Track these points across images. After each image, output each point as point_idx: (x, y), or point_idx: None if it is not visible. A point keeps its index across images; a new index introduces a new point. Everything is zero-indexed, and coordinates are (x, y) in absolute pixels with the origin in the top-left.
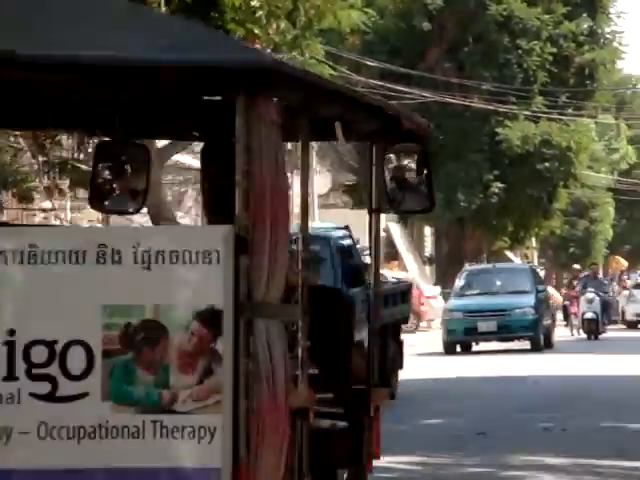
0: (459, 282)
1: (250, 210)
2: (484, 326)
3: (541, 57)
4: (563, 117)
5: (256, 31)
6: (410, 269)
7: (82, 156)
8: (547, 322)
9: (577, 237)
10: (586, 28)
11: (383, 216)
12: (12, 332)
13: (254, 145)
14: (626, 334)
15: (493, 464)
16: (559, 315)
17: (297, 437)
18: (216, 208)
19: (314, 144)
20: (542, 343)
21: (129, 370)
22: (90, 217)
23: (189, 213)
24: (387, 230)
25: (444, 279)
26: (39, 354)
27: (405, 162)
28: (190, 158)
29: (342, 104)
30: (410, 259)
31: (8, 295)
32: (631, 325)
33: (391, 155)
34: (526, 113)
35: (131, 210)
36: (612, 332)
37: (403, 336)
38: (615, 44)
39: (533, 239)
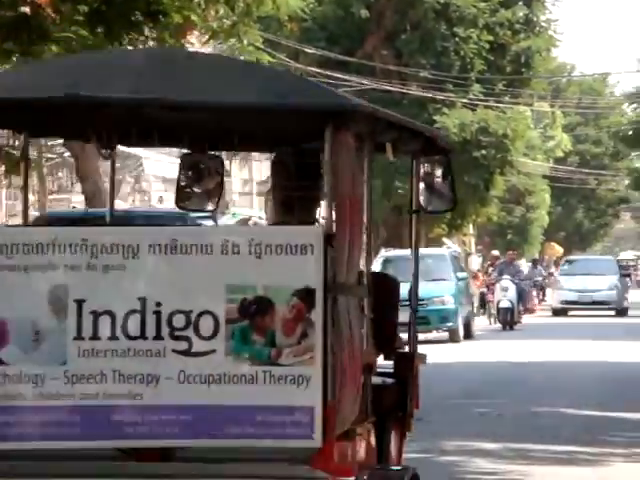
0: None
1: (334, 214)
2: (400, 316)
3: (478, 45)
4: (500, 105)
5: (193, 17)
6: None
7: (17, 143)
8: (467, 311)
9: (514, 224)
10: (522, 16)
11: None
12: (159, 304)
13: (337, 165)
14: (550, 320)
15: (430, 449)
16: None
17: (364, 386)
18: (285, 209)
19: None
20: (461, 334)
21: (245, 333)
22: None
23: (126, 200)
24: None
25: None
26: (179, 320)
27: (433, 171)
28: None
29: (397, 131)
30: None
31: (156, 276)
32: (557, 312)
33: (423, 165)
34: (463, 101)
35: (209, 208)
36: (538, 318)
37: None
38: (550, 32)
39: (470, 226)
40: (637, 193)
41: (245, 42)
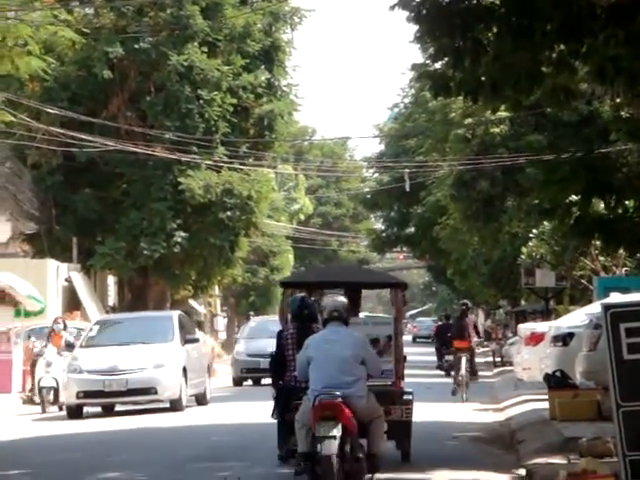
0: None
1: (396, 315)
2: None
3: (222, 107)
4: (244, 167)
5: None
6: (92, 319)
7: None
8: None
9: (258, 285)
10: (264, 80)
11: (64, 266)
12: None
13: (397, 300)
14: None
15: None
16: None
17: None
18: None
19: None
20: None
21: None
22: None
23: None
24: (69, 280)
25: None
26: None
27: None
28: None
29: (404, 285)
30: (93, 308)
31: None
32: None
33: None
34: (208, 163)
35: None
36: None
37: None
38: (292, 96)
39: (216, 287)
40: (375, 254)
41: None
